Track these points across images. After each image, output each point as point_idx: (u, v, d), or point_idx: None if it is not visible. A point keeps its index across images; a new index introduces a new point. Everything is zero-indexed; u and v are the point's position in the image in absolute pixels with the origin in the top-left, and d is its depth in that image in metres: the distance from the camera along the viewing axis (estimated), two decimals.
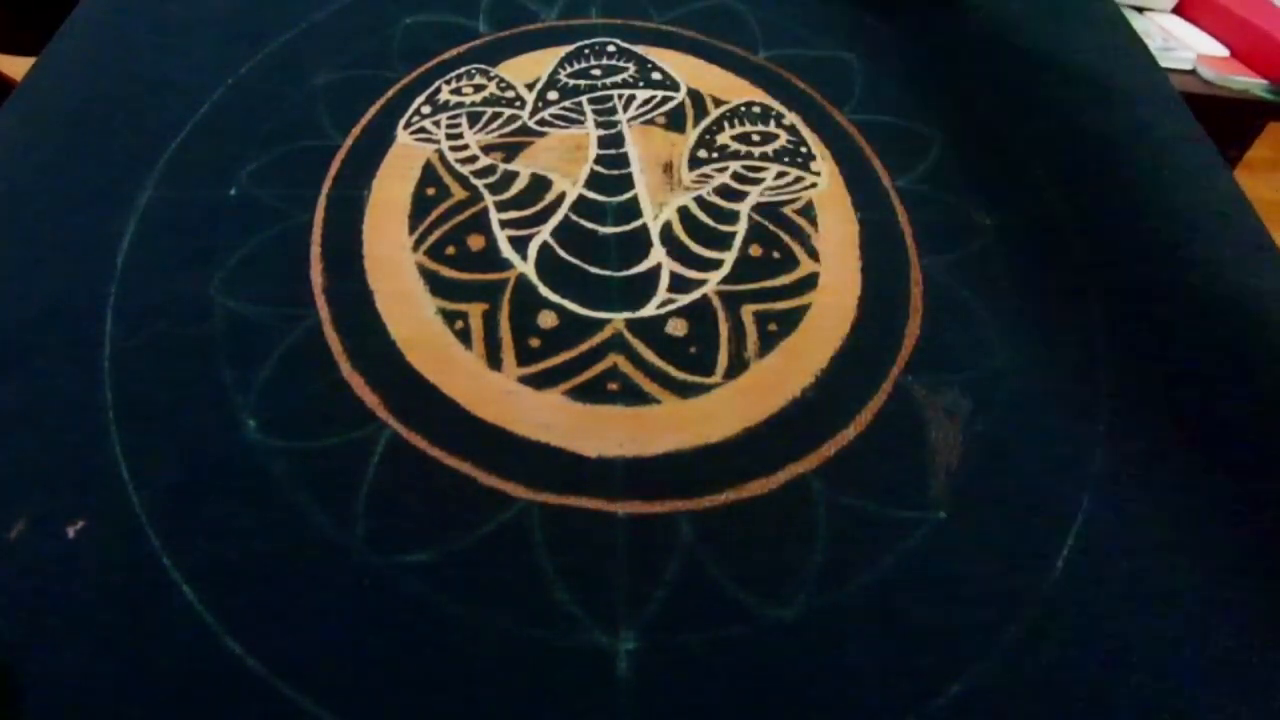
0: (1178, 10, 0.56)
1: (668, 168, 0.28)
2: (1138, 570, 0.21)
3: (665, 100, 0.30)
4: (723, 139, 0.29)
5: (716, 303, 0.25)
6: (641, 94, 0.30)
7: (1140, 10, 0.56)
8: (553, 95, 0.30)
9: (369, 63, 0.31)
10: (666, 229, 0.26)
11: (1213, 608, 0.20)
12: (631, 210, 0.27)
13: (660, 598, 0.20)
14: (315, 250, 0.25)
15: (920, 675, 0.19)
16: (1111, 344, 0.25)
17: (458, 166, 0.28)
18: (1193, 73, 0.53)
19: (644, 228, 0.26)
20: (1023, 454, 0.22)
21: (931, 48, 0.33)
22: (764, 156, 0.28)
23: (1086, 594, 0.20)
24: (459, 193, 0.27)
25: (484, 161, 0.28)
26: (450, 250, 0.25)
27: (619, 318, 0.24)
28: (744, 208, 0.27)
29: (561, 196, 0.27)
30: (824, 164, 0.29)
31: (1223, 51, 0.55)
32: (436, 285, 0.25)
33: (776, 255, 0.26)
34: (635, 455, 0.22)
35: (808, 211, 0.27)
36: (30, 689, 0.18)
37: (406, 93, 0.30)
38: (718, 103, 0.30)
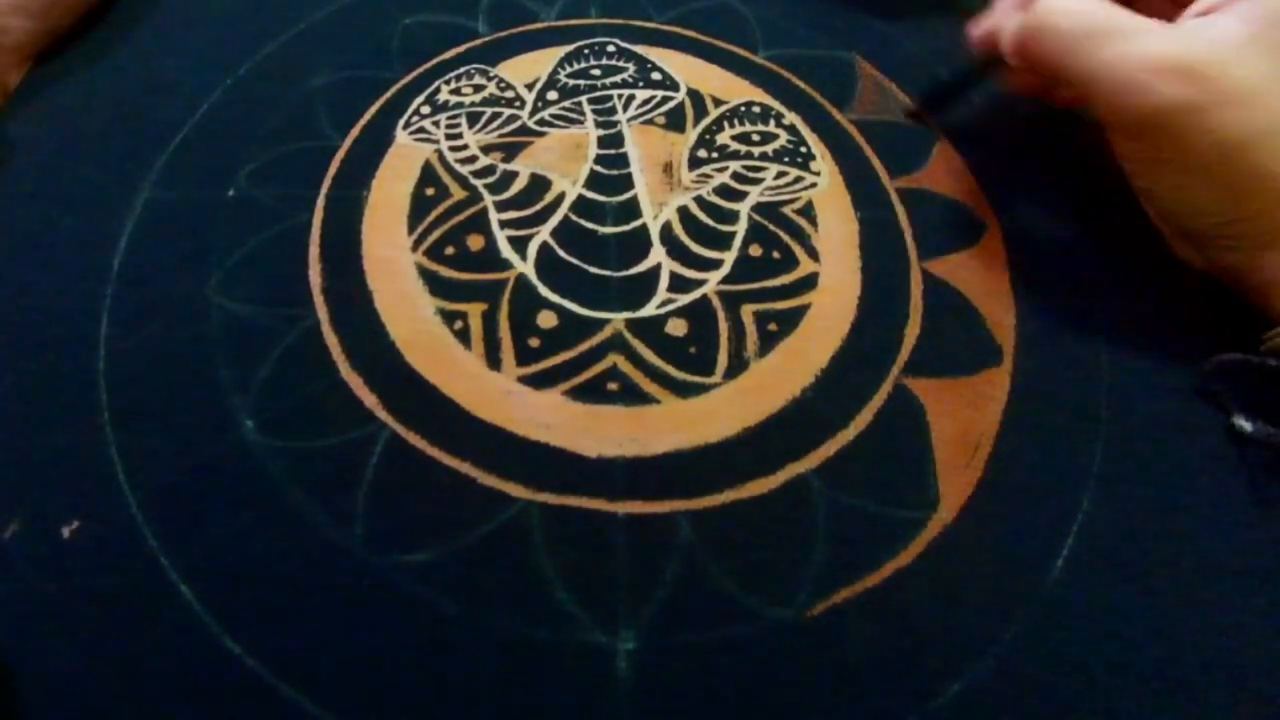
0: None
1: (668, 168, 0.28)
2: (1138, 570, 0.21)
3: (665, 100, 0.30)
4: (723, 139, 0.29)
5: (716, 302, 0.25)
6: (641, 94, 0.30)
7: None
8: (552, 95, 0.30)
9: (368, 63, 0.31)
10: (666, 229, 0.26)
11: (1215, 606, 0.20)
12: (631, 210, 0.27)
13: (660, 598, 0.20)
14: (314, 251, 0.25)
15: (920, 675, 0.19)
16: (1114, 341, 0.25)
17: (457, 166, 0.28)
18: None
19: (644, 228, 0.26)
20: (1022, 454, 0.22)
21: (931, 48, 0.33)
22: (764, 156, 0.28)
23: (1086, 594, 0.20)
24: (458, 193, 0.27)
25: (483, 161, 0.28)
26: (450, 250, 0.25)
27: (619, 318, 0.24)
28: (744, 208, 0.27)
29: (561, 196, 0.27)
30: (824, 164, 0.29)
31: None
32: (436, 285, 0.25)
33: (776, 255, 0.26)
34: (635, 455, 0.22)
35: (808, 211, 0.27)
36: (29, 689, 0.18)
37: (406, 93, 0.30)
38: (718, 103, 0.30)
